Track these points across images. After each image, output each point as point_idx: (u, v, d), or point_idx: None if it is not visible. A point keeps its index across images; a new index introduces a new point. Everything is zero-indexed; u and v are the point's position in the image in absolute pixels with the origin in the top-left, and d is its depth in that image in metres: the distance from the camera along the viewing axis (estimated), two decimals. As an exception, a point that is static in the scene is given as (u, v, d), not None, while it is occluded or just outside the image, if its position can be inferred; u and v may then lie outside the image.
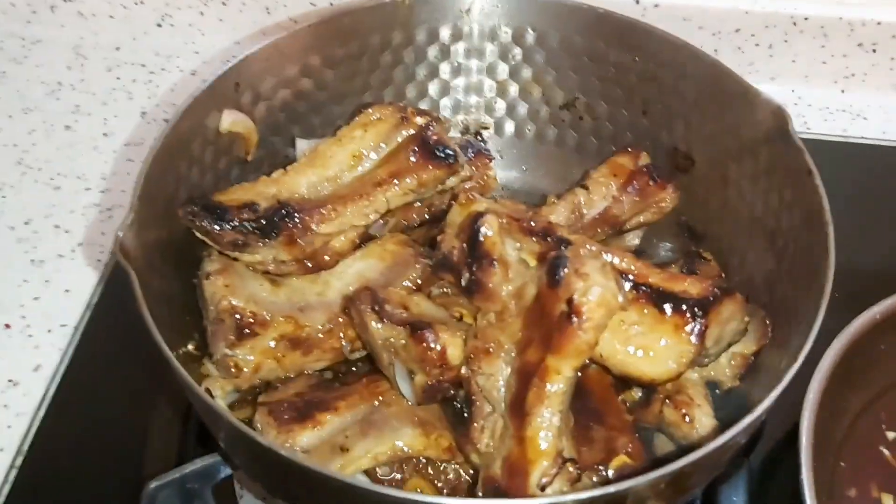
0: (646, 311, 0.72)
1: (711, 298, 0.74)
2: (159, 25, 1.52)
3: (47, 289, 1.16)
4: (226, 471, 0.83)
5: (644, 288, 0.73)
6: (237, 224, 0.81)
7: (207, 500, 0.85)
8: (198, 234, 0.83)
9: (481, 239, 0.72)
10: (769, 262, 0.83)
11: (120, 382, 1.05)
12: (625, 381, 0.76)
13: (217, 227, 0.80)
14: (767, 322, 0.80)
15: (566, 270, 0.66)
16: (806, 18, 1.34)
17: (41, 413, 1.03)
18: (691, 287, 0.74)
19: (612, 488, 0.56)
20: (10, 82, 1.44)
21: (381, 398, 0.79)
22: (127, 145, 1.35)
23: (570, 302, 0.65)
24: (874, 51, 1.36)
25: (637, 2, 1.27)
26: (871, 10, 1.33)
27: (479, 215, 0.73)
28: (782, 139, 0.80)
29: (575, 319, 0.65)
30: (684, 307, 0.73)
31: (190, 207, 0.81)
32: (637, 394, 0.81)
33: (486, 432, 0.72)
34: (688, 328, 0.72)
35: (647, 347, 0.72)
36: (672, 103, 0.94)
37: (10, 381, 1.06)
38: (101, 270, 1.18)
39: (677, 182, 0.93)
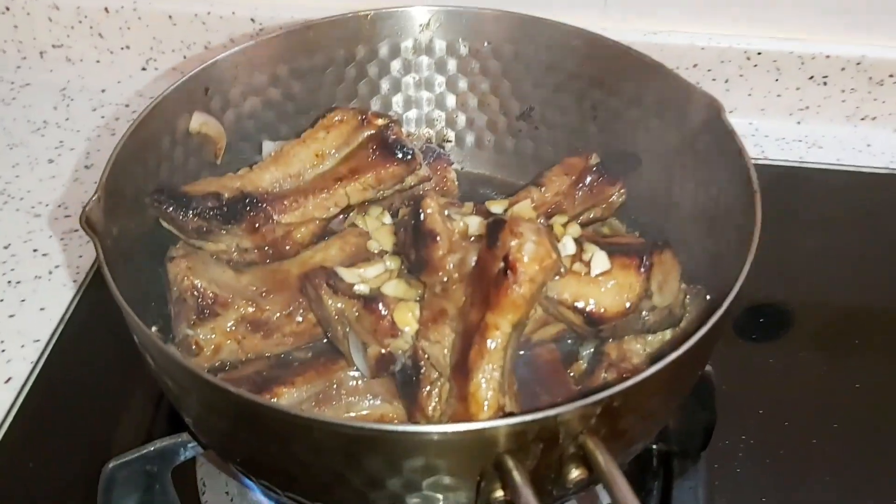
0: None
1: (653, 246, 0.79)
2: (144, 69, 1.59)
3: (22, 307, 1.19)
4: (186, 453, 0.85)
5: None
6: (201, 210, 0.85)
7: (166, 485, 0.86)
8: (164, 223, 0.87)
9: (422, 218, 0.76)
10: (710, 248, 0.87)
11: (88, 388, 1.08)
12: (576, 330, 0.79)
13: (181, 214, 0.84)
14: (707, 299, 0.83)
15: (503, 231, 0.69)
16: (759, 53, 1.41)
17: (8, 421, 1.05)
18: (633, 241, 0.79)
19: (539, 415, 0.58)
20: (-2, 122, 1.50)
21: (338, 374, 0.82)
22: (108, 177, 1.40)
23: (505, 258, 0.69)
24: (825, 83, 1.43)
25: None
26: (820, 45, 1.40)
27: (419, 198, 0.78)
28: (715, 126, 0.85)
29: (510, 274, 0.68)
30: (631, 251, 0.78)
31: (156, 195, 0.85)
32: (583, 365, 0.83)
33: (434, 397, 0.74)
34: (635, 263, 0.77)
35: (598, 286, 0.76)
36: (618, 106, 0.99)
37: (-20, 394, 1.09)
38: (74, 290, 1.21)
39: (626, 181, 0.97)
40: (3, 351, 1.14)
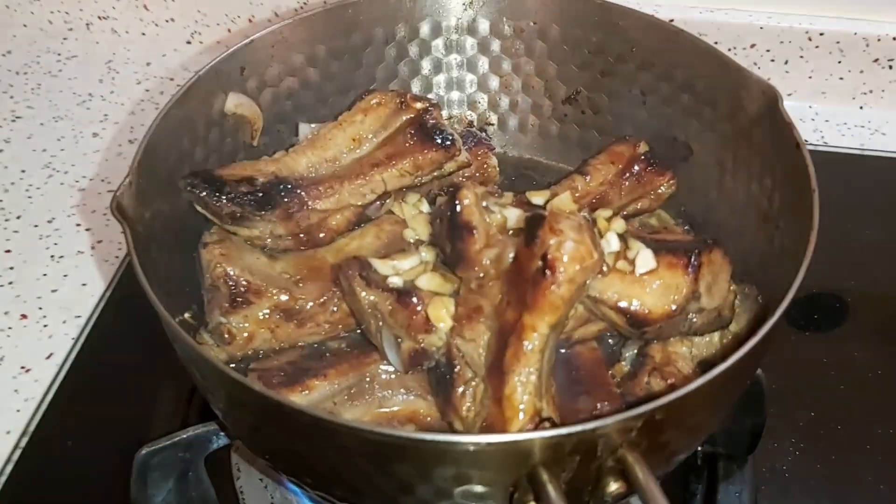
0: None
1: (702, 244, 0.75)
2: (188, 42, 1.57)
3: (65, 282, 1.20)
4: (218, 441, 0.84)
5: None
6: (234, 196, 0.83)
7: (199, 472, 0.86)
8: (198, 207, 0.85)
9: (459, 209, 0.73)
10: (763, 243, 0.82)
11: (128, 368, 1.08)
12: (619, 330, 0.76)
13: (215, 199, 0.82)
14: (760, 300, 0.79)
15: (542, 228, 0.66)
16: (821, 34, 1.34)
17: (49, 397, 1.05)
18: (681, 238, 0.75)
19: (577, 427, 0.55)
20: (44, 93, 1.50)
21: (371, 368, 0.80)
22: (151, 151, 1.39)
23: (544, 257, 0.66)
24: (891, 67, 1.36)
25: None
26: (886, 26, 1.33)
27: (456, 188, 0.74)
28: (772, 117, 0.80)
29: (548, 274, 0.65)
30: (678, 249, 0.74)
31: (190, 179, 0.83)
32: (626, 367, 0.80)
33: (468, 397, 0.72)
34: (682, 263, 0.73)
35: (643, 285, 0.72)
36: (669, 91, 0.94)
37: (22, 367, 1.09)
38: (117, 265, 1.21)
39: (676, 171, 0.93)
40: (46, 326, 1.14)
